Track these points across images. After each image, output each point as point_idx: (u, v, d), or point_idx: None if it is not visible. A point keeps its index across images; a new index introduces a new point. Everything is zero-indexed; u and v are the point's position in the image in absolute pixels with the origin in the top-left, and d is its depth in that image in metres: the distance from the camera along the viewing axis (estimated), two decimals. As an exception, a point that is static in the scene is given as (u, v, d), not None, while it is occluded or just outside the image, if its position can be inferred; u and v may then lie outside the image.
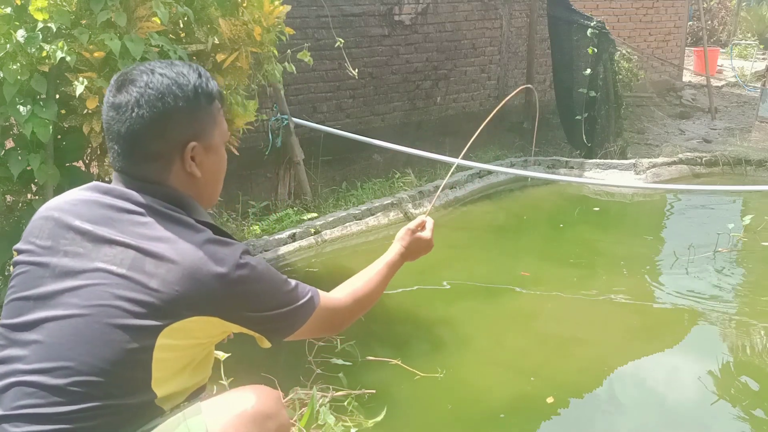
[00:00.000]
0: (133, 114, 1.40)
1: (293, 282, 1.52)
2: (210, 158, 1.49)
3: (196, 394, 1.47)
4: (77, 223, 1.40)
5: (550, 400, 2.97)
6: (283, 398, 2.70)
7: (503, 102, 2.57)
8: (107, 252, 1.36)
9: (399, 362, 3.14)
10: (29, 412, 1.30)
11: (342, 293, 1.68)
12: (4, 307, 1.42)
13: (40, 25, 2.99)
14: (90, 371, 1.30)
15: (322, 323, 1.57)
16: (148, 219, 1.39)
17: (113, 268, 1.34)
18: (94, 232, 1.39)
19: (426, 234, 1.90)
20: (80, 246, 1.38)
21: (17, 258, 1.46)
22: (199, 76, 1.47)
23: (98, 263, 1.36)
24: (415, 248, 1.88)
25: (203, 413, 1.38)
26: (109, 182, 1.49)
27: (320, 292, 1.59)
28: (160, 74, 1.42)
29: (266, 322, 1.46)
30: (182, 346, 1.36)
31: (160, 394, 1.36)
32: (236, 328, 1.45)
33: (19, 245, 1.48)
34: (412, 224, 1.91)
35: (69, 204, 1.46)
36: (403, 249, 1.86)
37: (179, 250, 1.35)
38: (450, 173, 2.60)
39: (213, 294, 1.35)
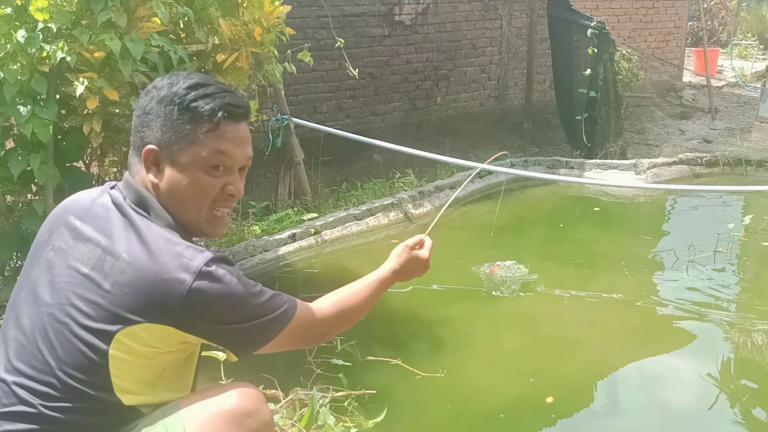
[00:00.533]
0: (137, 110, 1.49)
1: (268, 293, 1.44)
2: (171, 173, 1.42)
3: None
4: (70, 218, 1.43)
5: (549, 399, 2.97)
6: (283, 398, 2.70)
7: (475, 172, 2.56)
8: (81, 249, 1.37)
9: (399, 362, 3.14)
10: (7, 410, 1.31)
11: (326, 303, 1.61)
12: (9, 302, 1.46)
13: (41, 25, 2.99)
14: (52, 372, 1.31)
15: (300, 335, 1.51)
16: (117, 216, 1.39)
17: (80, 266, 1.35)
18: (79, 229, 1.40)
19: (424, 253, 1.80)
20: (64, 241, 1.40)
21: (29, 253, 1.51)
22: (191, 88, 1.43)
23: (71, 260, 1.36)
24: (410, 267, 1.79)
25: (181, 411, 1.36)
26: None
27: (299, 303, 1.52)
28: (168, 78, 1.48)
29: (230, 335, 1.40)
30: (138, 351, 1.32)
31: (127, 402, 1.34)
32: (197, 340, 1.39)
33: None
34: (410, 241, 1.82)
35: (73, 201, 1.49)
36: (398, 266, 1.77)
37: (134, 252, 1.32)
38: (450, 200, 2.59)
39: (165, 302, 1.30)
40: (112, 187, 1.48)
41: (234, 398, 1.39)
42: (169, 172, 1.42)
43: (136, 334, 1.30)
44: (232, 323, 1.38)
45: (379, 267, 1.79)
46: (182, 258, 1.32)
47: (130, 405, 1.34)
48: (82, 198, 1.48)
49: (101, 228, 1.38)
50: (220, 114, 1.42)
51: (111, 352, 1.30)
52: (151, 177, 1.43)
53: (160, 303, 1.30)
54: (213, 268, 1.34)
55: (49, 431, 1.30)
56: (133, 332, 1.30)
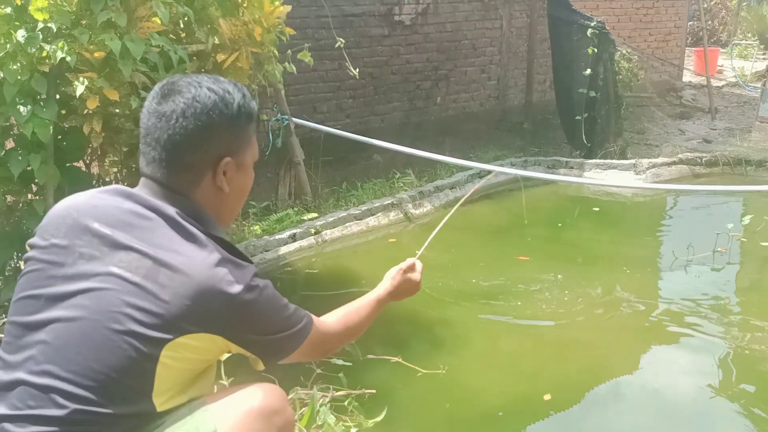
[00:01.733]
0: (177, 124, 1.43)
1: (292, 306, 1.54)
2: (240, 176, 1.52)
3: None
4: (95, 225, 1.40)
5: (547, 397, 2.98)
6: (284, 398, 2.70)
7: (460, 202, 2.58)
8: (123, 258, 1.36)
9: (400, 359, 3.15)
10: (33, 413, 1.30)
11: (334, 319, 1.72)
12: (13, 303, 1.42)
13: (41, 25, 2.99)
14: (94, 376, 1.31)
15: (313, 348, 1.60)
16: (168, 230, 1.40)
17: (128, 275, 1.35)
18: (111, 237, 1.39)
19: (415, 276, 1.98)
20: (96, 249, 1.39)
21: (30, 253, 1.46)
22: (243, 96, 1.51)
23: (112, 268, 1.36)
24: (403, 289, 1.96)
25: (209, 409, 1.39)
26: (110, 183, 1.50)
27: (314, 318, 1.62)
28: (208, 89, 1.46)
29: (266, 345, 1.49)
30: (186, 359, 1.37)
31: (159, 406, 1.36)
32: (236, 349, 1.47)
33: (33, 240, 1.47)
34: (403, 265, 1.98)
35: (88, 205, 1.45)
36: (392, 288, 1.93)
37: (194, 265, 1.36)
38: (454, 209, 2.60)
39: (221, 313, 1.37)
40: (129, 194, 1.45)
41: (260, 396, 1.44)
42: (237, 177, 1.51)
43: (188, 343, 1.35)
44: (269, 334, 1.48)
45: (375, 288, 1.93)
46: (235, 272, 1.39)
47: (162, 410, 1.37)
48: (100, 204, 1.45)
49: (145, 238, 1.38)
50: (257, 113, 1.57)
51: (161, 359, 1.33)
52: (223, 186, 1.49)
53: (215, 314, 1.36)
54: (258, 281, 1.43)
55: None
56: (185, 341, 1.35)
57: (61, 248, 1.41)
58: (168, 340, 1.33)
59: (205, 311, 1.35)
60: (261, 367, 1.54)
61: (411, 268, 1.99)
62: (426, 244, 2.23)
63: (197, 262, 1.36)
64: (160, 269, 1.35)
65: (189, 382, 1.42)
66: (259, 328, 1.45)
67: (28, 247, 1.47)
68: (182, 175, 1.46)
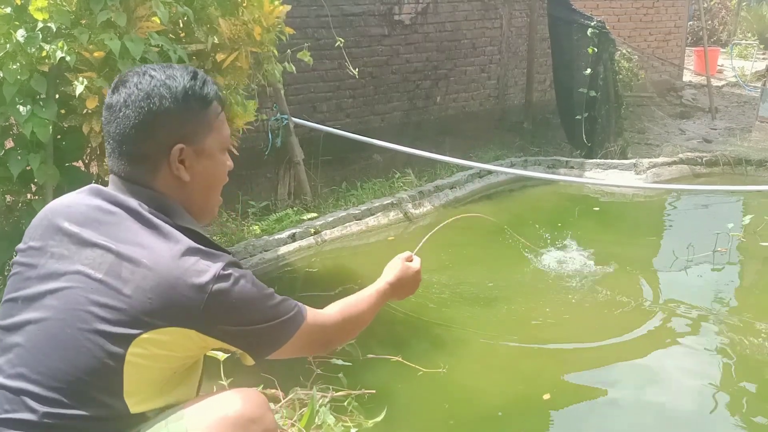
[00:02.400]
0: (122, 114, 1.41)
1: (279, 297, 1.48)
2: (202, 163, 1.46)
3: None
4: (66, 225, 1.40)
5: (546, 396, 2.98)
6: (283, 398, 2.70)
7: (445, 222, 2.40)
8: (88, 255, 1.35)
9: (400, 358, 3.15)
10: (8, 416, 1.30)
11: (331, 311, 1.64)
12: None
13: (40, 24, 2.99)
14: (62, 378, 1.29)
15: (309, 341, 1.54)
16: (132, 223, 1.37)
17: (91, 272, 1.33)
18: (79, 235, 1.37)
19: (414, 265, 1.89)
20: (66, 248, 1.38)
21: (14, 258, 1.46)
22: (193, 78, 1.45)
23: (79, 266, 1.34)
24: (404, 279, 1.86)
25: (185, 417, 1.35)
26: (107, 184, 1.49)
27: (308, 308, 1.55)
28: (150, 76, 1.42)
29: (247, 336, 1.42)
30: (156, 356, 1.32)
31: (133, 407, 1.33)
32: (216, 344, 1.40)
33: (19, 245, 1.48)
34: (401, 255, 1.91)
35: (62, 205, 1.46)
36: (393, 278, 1.84)
37: (157, 257, 1.32)
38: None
39: (188, 306, 1.31)
40: (99, 191, 1.44)
41: (238, 404, 1.38)
42: (197, 165, 1.45)
43: (157, 338, 1.30)
44: (249, 325, 1.40)
45: (376, 281, 1.84)
46: (202, 262, 1.34)
47: (137, 412, 1.34)
48: (73, 204, 1.44)
49: (109, 233, 1.36)
50: (219, 98, 1.49)
51: (128, 357, 1.29)
52: (182, 175, 1.43)
53: (182, 307, 1.31)
54: (231, 271, 1.36)
55: None
56: (154, 336, 1.30)
57: (36, 250, 1.41)
58: (134, 336, 1.29)
59: (170, 304, 1.30)
60: (249, 361, 1.47)
61: (409, 259, 1.92)
62: (425, 239, 2.15)
63: (160, 254, 1.32)
64: (123, 263, 1.32)
65: (166, 383, 1.37)
66: (235, 320, 1.38)
67: (14, 253, 1.48)
68: (139, 167, 1.42)
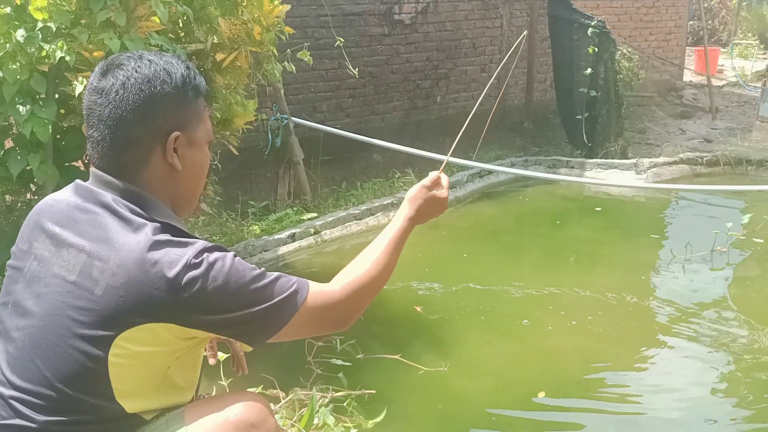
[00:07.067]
0: (117, 96, 1.34)
1: (271, 275, 1.36)
2: (192, 153, 1.42)
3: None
4: (48, 225, 1.38)
5: (541, 394, 2.99)
6: (283, 399, 2.69)
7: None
8: (65, 256, 1.32)
9: (399, 357, 3.15)
10: (8, 423, 1.29)
11: (342, 282, 1.46)
12: None
13: (40, 24, 2.99)
14: (49, 385, 1.28)
15: (317, 320, 1.40)
16: (104, 218, 1.32)
17: (66, 274, 1.30)
18: (59, 235, 1.35)
19: (442, 192, 1.69)
20: (47, 249, 1.35)
21: (8, 261, 1.45)
22: (187, 68, 1.43)
23: (56, 269, 1.32)
24: (428, 210, 1.67)
25: (186, 422, 1.34)
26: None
27: (312, 284, 1.41)
28: (149, 60, 1.39)
29: (234, 324, 1.33)
30: (138, 354, 1.28)
31: (129, 408, 1.31)
32: (203, 334, 1.34)
33: (12, 247, 1.47)
34: (426, 181, 1.70)
35: (48, 204, 1.43)
36: (414, 212, 1.64)
37: (125, 253, 1.27)
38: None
39: (161, 300, 1.25)
40: (77, 188, 1.40)
41: (239, 409, 1.36)
42: (188, 154, 1.42)
43: (137, 336, 1.26)
44: (234, 311, 1.31)
45: (392, 220, 1.65)
46: (172, 252, 1.28)
47: (133, 412, 1.32)
48: (56, 202, 1.41)
49: (84, 232, 1.32)
50: (207, 90, 1.46)
51: (110, 358, 1.26)
52: (175, 163, 1.38)
53: (155, 301, 1.25)
54: (203, 257, 1.29)
55: None
56: (133, 335, 1.26)
57: (23, 252, 1.41)
58: (112, 337, 1.25)
59: (142, 300, 1.25)
60: (247, 348, 1.43)
61: (436, 184, 1.71)
62: (450, 152, 1.89)
63: (129, 248, 1.27)
64: (94, 262, 1.28)
65: (160, 381, 1.34)
66: (215, 308, 1.29)
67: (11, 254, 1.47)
68: (128, 153, 1.36)
